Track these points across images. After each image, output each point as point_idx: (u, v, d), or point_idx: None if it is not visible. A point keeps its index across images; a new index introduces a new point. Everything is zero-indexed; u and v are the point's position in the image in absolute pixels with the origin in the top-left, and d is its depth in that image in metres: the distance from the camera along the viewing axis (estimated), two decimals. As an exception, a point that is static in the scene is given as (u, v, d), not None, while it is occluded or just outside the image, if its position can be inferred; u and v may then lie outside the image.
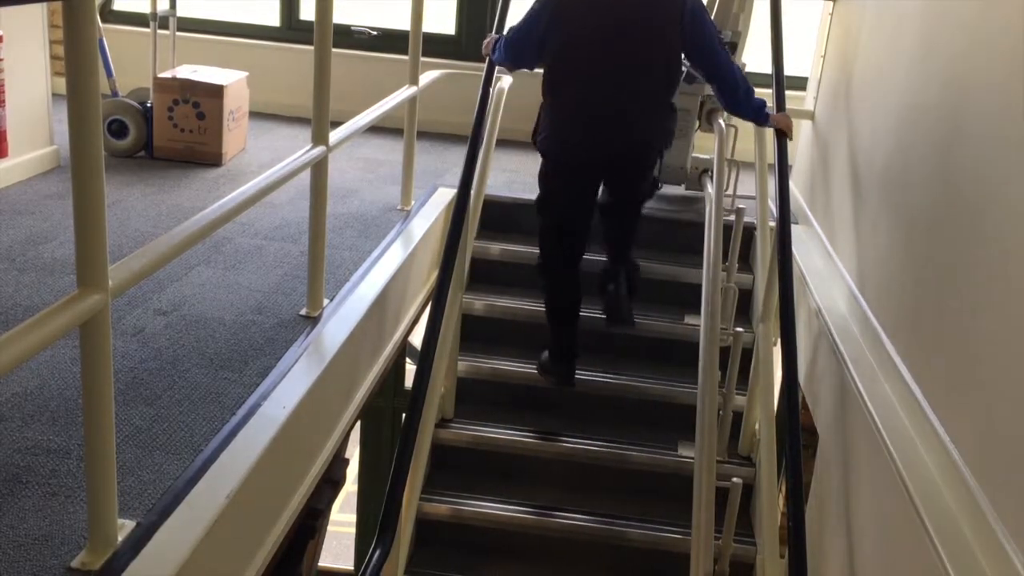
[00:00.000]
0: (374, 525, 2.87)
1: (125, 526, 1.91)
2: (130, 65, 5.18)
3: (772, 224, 3.84)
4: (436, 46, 5.43)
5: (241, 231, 3.68)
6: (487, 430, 4.03)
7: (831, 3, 4.62)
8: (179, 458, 2.19)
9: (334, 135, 2.98)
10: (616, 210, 3.80)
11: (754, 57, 4.71)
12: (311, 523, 2.82)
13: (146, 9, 4.81)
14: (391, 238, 3.77)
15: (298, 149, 2.83)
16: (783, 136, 3.63)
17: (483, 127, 3.83)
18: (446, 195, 4.36)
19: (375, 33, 5.71)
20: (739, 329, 3.75)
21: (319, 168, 2.92)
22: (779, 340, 3.38)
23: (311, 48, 2.82)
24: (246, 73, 4.86)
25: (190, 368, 2.62)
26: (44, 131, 4.19)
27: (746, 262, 4.39)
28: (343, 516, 6.98)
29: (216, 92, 4.55)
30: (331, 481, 2.99)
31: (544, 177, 3.71)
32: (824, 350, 3.49)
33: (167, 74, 4.64)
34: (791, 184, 4.50)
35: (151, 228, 3.62)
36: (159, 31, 4.77)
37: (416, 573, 3.76)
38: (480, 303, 4.30)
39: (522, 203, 4.56)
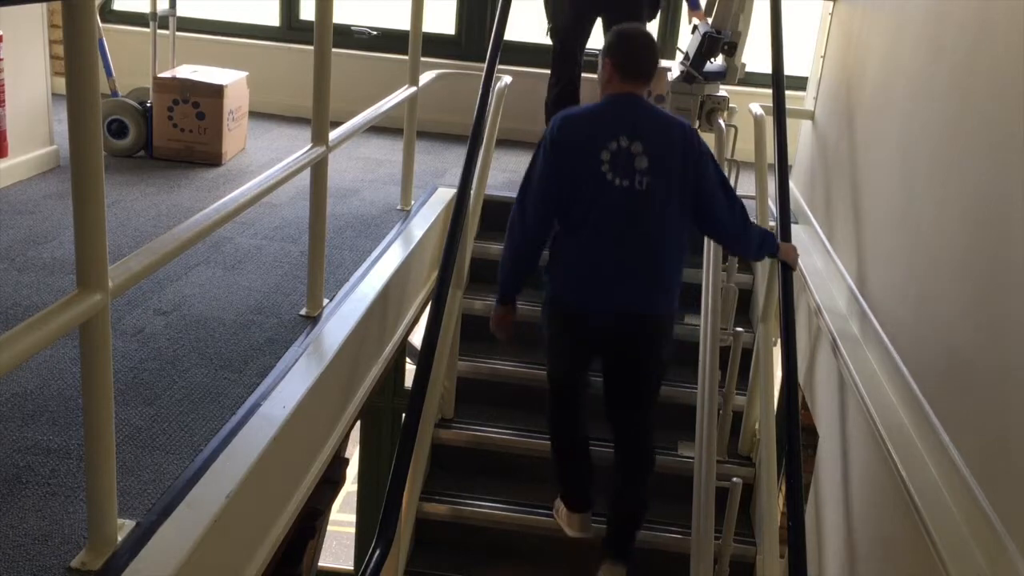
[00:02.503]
0: (374, 525, 2.87)
1: (125, 526, 1.91)
2: (130, 65, 5.18)
3: (772, 224, 3.84)
4: (436, 46, 5.44)
5: (241, 231, 3.68)
6: (487, 430, 4.03)
7: (831, 3, 4.62)
8: (179, 458, 2.19)
9: (334, 135, 2.98)
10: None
11: (754, 57, 4.71)
12: (311, 523, 2.82)
13: (146, 9, 4.81)
14: (391, 238, 3.77)
15: (298, 149, 2.83)
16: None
17: (483, 127, 3.83)
18: (446, 195, 4.36)
19: (375, 33, 5.71)
20: (739, 329, 3.75)
21: (319, 168, 2.92)
22: (779, 340, 3.37)
23: (311, 48, 2.82)
24: (246, 73, 4.86)
25: (190, 368, 2.61)
26: (44, 131, 4.19)
27: (746, 262, 4.39)
28: (343, 516, 6.98)
29: (216, 92, 4.55)
30: (331, 481, 2.99)
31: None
32: (824, 350, 3.49)
33: (167, 74, 4.64)
34: (791, 184, 4.50)
35: (151, 228, 3.62)
36: (159, 31, 4.77)
37: (416, 573, 3.76)
38: (480, 303, 4.30)
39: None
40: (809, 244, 4.18)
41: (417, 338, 3.63)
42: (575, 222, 3.05)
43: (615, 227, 3.01)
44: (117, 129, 4.55)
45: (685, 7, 4.94)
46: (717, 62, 4.47)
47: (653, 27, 4.86)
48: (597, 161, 2.98)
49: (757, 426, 3.81)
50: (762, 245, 3.24)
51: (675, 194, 3.02)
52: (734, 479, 3.30)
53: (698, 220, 3.13)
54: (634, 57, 3.05)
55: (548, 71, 4.72)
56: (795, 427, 2.96)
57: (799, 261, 3.47)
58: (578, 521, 3.45)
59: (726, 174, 4.09)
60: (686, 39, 4.75)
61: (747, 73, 4.73)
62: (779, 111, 3.76)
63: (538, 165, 3.08)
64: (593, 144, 3.00)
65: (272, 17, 5.88)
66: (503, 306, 3.28)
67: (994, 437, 2.19)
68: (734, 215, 3.11)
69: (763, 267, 3.97)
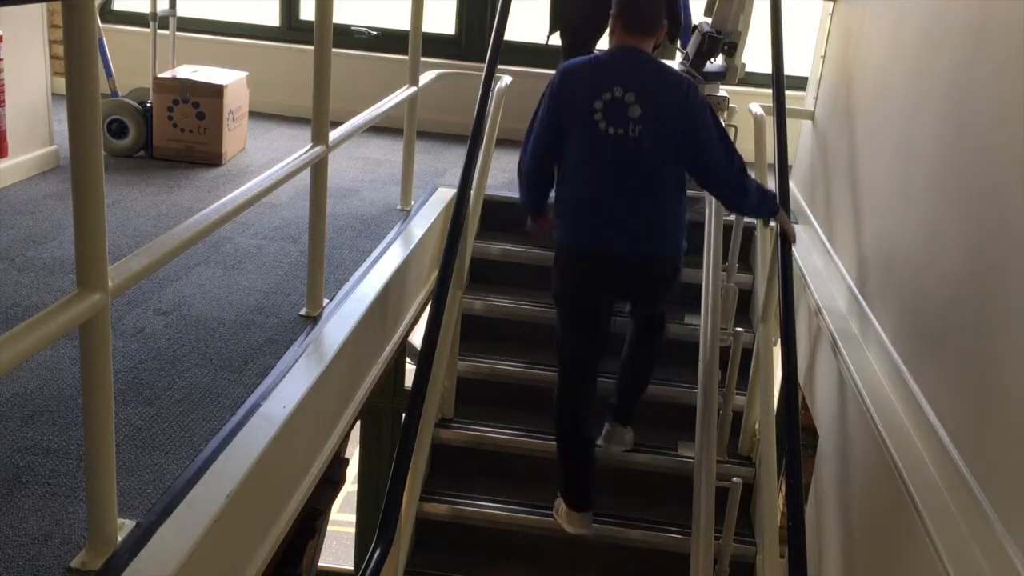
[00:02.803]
0: (374, 525, 2.87)
1: (125, 526, 1.91)
2: (130, 65, 5.18)
3: (772, 224, 3.84)
4: (436, 46, 5.44)
5: (241, 231, 3.68)
6: (487, 430, 4.03)
7: (831, 3, 4.62)
8: (179, 458, 2.19)
9: (334, 135, 2.98)
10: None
11: (754, 57, 4.71)
12: (311, 523, 2.82)
13: (146, 9, 4.81)
14: (391, 238, 3.77)
15: (298, 149, 2.83)
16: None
17: (483, 127, 3.83)
18: (446, 195, 4.37)
19: (375, 33, 5.71)
20: (739, 329, 3.75)
21: (319, 168, 2.92)
22: (779, 340, 3.37)
23: (311, 48, 2.82)
24: (246, 73, 4.86)
25: (190, 368, 2.62)
26: (44, 131, 4.19)
27: (746, 262, 4.40)
28: (343, 516, 6.98)
29: (216, 92, 4.55)
30: (331, 481, 2.99)
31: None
32: (824, 350, 3.49)
33: (167, 74, 4.64)
34: (791, 184, 4.50)
35: (151, 228, 3.62)
36: (159, 31, 4.77)
37: (416, 573, 3.76)
38: (480, 303, 4.30)
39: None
40: (809, 244, 4.18)
41: (417, 338, 3.63)
42: (572, 169, 3.18)
43: (609, 174, 3.13)
44: (117, 129, 4.55)
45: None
46: (717, 62, 4.47)
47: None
48: (591, 110, 3.10)
49: (757, 426, 3.81)
50: (761, 203, 3.29)
51: (669, 144, 3.10)
52: (734, 479, 3.30)
53: (696, 171, 3.23)
54: (634, 9, 3.15)
55: (549, 71, 4.71)
56: (795, 427, 2.96)
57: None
58: (578, 519, 3.51)
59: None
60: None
61: (747, 73, 4.72)
62: (779, 111, 3.76)
63: (540, 111, 3.24)
64: (588, 94, 3.11)
65: (272, 17, 5.88)
66: (534, 220, 3.47)
67: (994, 437, 2.19)
68: (732, 168, 3.16)
69: (763, 267, 3.97)
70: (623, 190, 3.13)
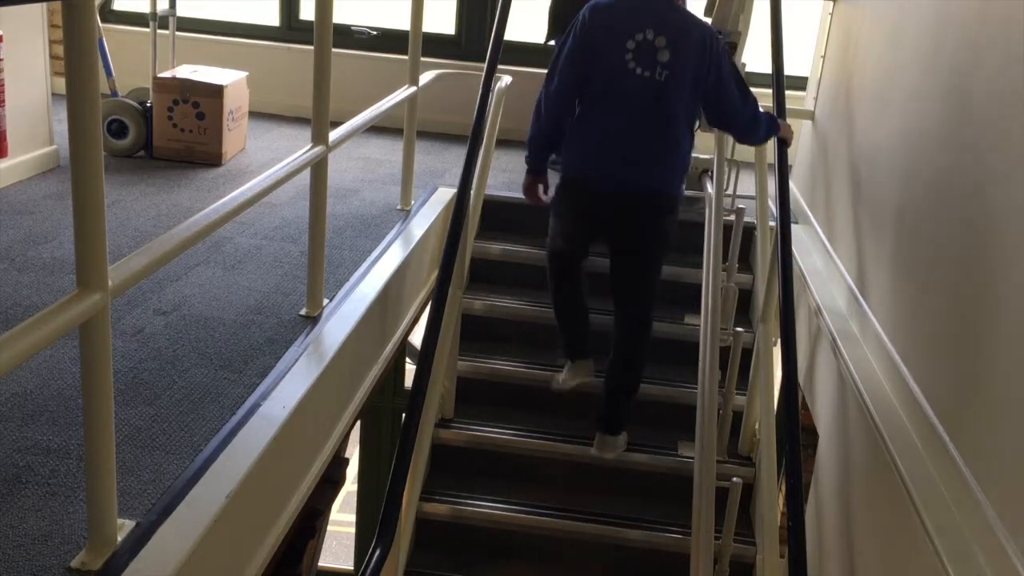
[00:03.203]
0: (374, 525, 2.87)
1: (125, 526, 1.91)
2: (130, 65, 5.18)
3: (772, 224, 3.84)
4: (436, 46, 5.44)
5: (241, 231, 3.68)
6: (487, 430, 4.03)
7: (831, 3, 4.63)
8: (179, 458, 2.19)
9: (334, 135, 2.98)
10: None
11: (754, 57, 4.71)
12: (311, 523, 2.82)
13: (146, 9, 4.81)
14: (391, 238, 3.77)
15: (298, 149, 2.83)
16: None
17: (483, 127, 3.83)
18: (446, 195, 4.37)
19: (375, 33, 5.71)
20: (739, 329, 3.75)
21: (319, 168, 2.91)
22: (779, 340, 3.38)
23: (311, 48, 2.82)
24: (246, 73, 4.86)
25: (190, 368, 2.62)
26: (44, 131, 4.19)
27: (746, 262, 4.40)
28: (343, 516, 6.98)
29: (216, 92, 4.55)
30: (331, 481, 2.99)
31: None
32: (824, 350, 3.49)
33: (167, 74, 4.64)
34: (791, 184, 4.50)
35: (151, 228, 3.62)
36: (159, 31, 4.77)
37: (416, 573, 3.76)
38: (480, 303, 4.30)
39: (522, 203, 4.54)
40: (809, 244, 4.18)
41: (417, 338, 3.63)
42: (594, 103, 3.37)
43: (631, 111, 3.32)
44: (117, 129, 4.55)
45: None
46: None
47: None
48: (623, 49, 3.27)
49: (757, 426, 3.81)
50: (768, 131, 3.50)
51: (690, 87, 3.31)
52: (734, 479, 3.30)
53: (714, 112, 3.47)
54: None
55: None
56: (795, 427, 2.96)
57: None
58: (581, 367, 3.73)
59: (726, 174, 4.12)
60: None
61: (747, 73, 4.72)
62: (779, 111, 3.77)
63: (567, 46, 3.37)
64: (621, 33, 3.28)
65: (272, 17, 5.88)
66: (532, 176, 3.59)
67: (994, 437, 2.19)
68: (746, 108, 3.41)
69: (763, 267, 3.97)
70: (637, 128, 3.33)
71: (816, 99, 4.64)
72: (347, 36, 5.56)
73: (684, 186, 3.55)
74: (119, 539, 1.86)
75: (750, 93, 3.42)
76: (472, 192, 3.78)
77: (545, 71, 4.73)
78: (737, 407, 3.91)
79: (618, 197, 3.40)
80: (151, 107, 4.57)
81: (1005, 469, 2.11)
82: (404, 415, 3.21)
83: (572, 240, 3.54)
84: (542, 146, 3.54)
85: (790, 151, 3.73)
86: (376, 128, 4.23)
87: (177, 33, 4.98)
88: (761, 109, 3.51)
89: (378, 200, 4.28)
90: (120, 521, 1.88)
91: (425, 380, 3.23)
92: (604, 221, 3.49)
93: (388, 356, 3.50)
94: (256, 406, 2.43)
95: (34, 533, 1.90)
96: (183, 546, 1.89)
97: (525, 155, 3.59)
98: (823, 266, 3.90)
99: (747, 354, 3.87)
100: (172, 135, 4.57)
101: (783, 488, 3.41)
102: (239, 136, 4.84)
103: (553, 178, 3.67)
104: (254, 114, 5.21)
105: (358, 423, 3.59)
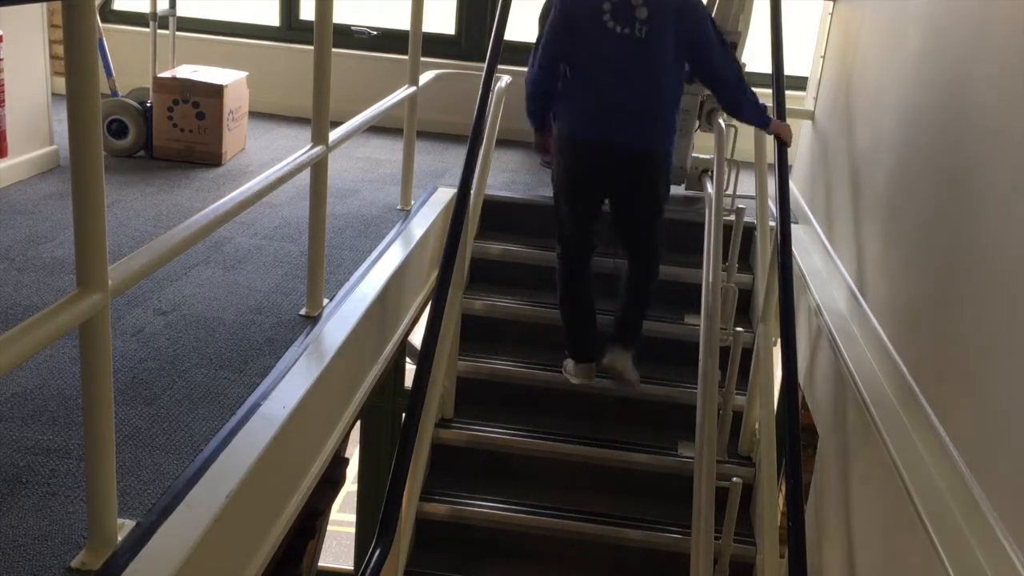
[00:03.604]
0: (374, 525, 2.87)
1: (125, 526, 1.91)
2: (130, 65, 5.18)
3: (772, 224, 3.84)
4: (436, 46, 5.44)
5: (241, 231, 3.68)
6: (487, 430, 4.03)
7: (831, 3, 4.62)
8: (179, 458, 2.19)
9: (334, 135, 2.98)
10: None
11: (754, 57, 4.71)
12: (311, 523, 2.82)
13: (146, 9, 4.81)
14: (391, 238, 3.77)
15: (298, 149, 2.83)
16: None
17: (483, 127, 3.83)
18: (446, 195, 4.37)
19: (375, 33, 5.71)
20: (739, 329, 3.75)
21: (319, 168, 2.91)
22: (779, 340, 3.38)
23: (311, 48, 2.82)
24: (246, 73, 4.86)
25: (190, 368, 2.62)
26: (44, 131, 4.19)
27: (746, 262, 4.40)
28: (343, 516, 6.98)
29: (216, 92, 4.55)
30: (331, 481, 2.99)
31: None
32: (824, 350, 3.49)
33: (167, 74, 4.64)
34: (791, 184, 4.50)
35: (151, 228, 3.62)
36: (159, 31, 4.77)
37: (416, 573, 3.76)
38: (480, 303, 4.30)
39: (522, 203, 4.57)
40: (809, 244, 4.18)
41: (417, 338, 3.63)
42: (580, 66, 3.49)
43: (616, 70, 3.44)
44: (117, 129, 4.55)
45: None
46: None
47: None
48: (600, 11, 3.40)
49: (757, 426, 3.81)
50: (756, 113, 3.59)
51: (672, 43, 3.43)
52: (734, 479, 3.30)
53: (699, 70, 3.59)
54: None
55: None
56: (795, 427, 2.96)
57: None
58: (584, 370, 3.82)
59: (726, 174, 4.12)
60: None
61: (747, 73, 4.72)
62: (779, 111, 3.77)
63: (549, 22, 3.52)
64: None
65: (272, 17, 5.88)
66: (538, 132, 3.79)
67: (994, 436, 2.19)
68: (730, 67, 3.55)
69: (763, 267, 3.97)
70: (624, 86, 3.44)
71: (816, 99, 4.64)
72: (347, 36, 5.56)
73: (677, 136, 3.72)
74: (119, 539, 1.86)
75: (736, 61, 3.57)
76: (472, 192, 3.78)
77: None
78: (737, 407, 3.91)
79: (612, 156, 3.51)
80: (151, 107, 4.57)
81: (1005, 469, 2.11)
82: (404, 415, 3.21)
83: (577, 216, 3.64)
84: (537, 111, 3.69)
85: (790, 151, 3.73)
86: (376, 128, 4.23)
87: (177, 33, 4.98)
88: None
89: (378, 200, 4.28)
90: (120, 521, 1.88)
91: (425, 380, 3.23)
92: (603, 181, 3.60)
93: (388, 356, 3.50)
94: (256, 406, 2.43)
95: (34, 533, 1.90)
96: (183, 546, 1.89)
97: (528, 119, 3.75)
98: (823, 266, 3.90)
99: (747, 354, 3.87)
100: (172, 135, 4.57)
101: (783, 488, 3.41)
102: (239, 136, 4.84)
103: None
104: (254, 114, 5.21)
105: (358, 423, 3.59)
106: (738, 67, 3.58)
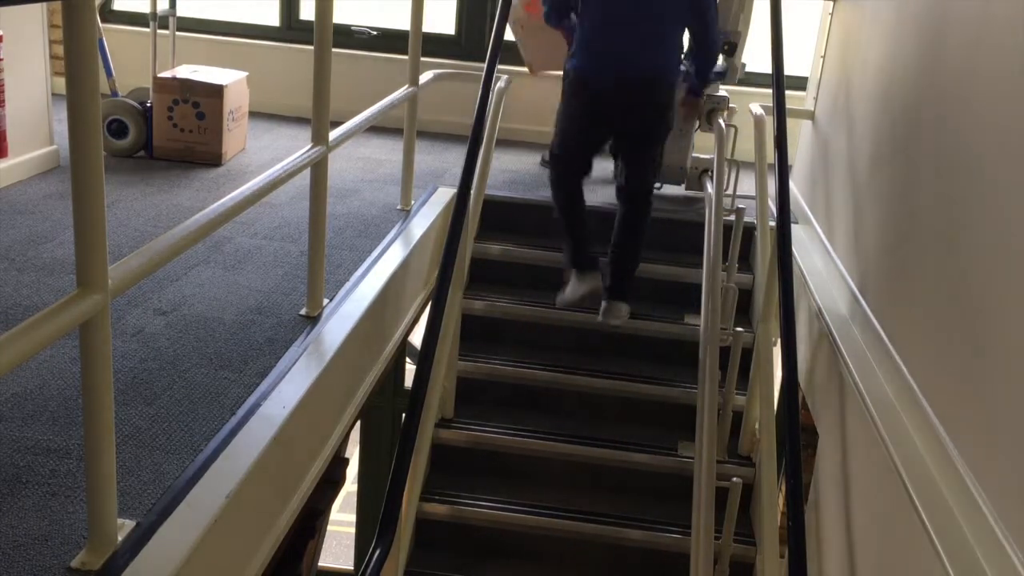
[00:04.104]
0: (374, 525, 2.87)
1: (125, 526, 1.91)
2: (130, 65, 5.18)
3: (772, 224, 3.84)
4: (436, 46, 5.44)
5: (241, 231, 3.68)
6: (487, 430, 4.03)
7: (831, 3, 4.62)
8: (179, 458, 2.19)
9: (334, 135, 2.98)
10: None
11: (754, 57, 4.71)
12: (311, 523, 2.83)
13: (146, 9, 4.81)
14: (391, 238, 3.77)
15: (298, 149, 2.83)
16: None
17: (483, 127, 3.83)
18: (446, 195, 4.37)
19: (375, 33, 5.71)
20: (739, 329, 3.75)
21: (319, 168, 2.92)
22: (779, 340, 3.38)
23: (311, 48, 2.82)
24: (246, 73, 4.86)
25: (190, 368, 2.62)
26: (44, 131, 4.19)
27: (746, 262, 4.40)
28: (343, 516, 6.98)
29: (216, 92, 4.55)
30: (331, 481, 2.99)
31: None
32: (824, 350, 3.49)
33: (167, 74, 4.64)
34: (791, 184, 4.50)
35: (151, 228, 3.62)
36: (159, 31, 4.77)
37: (416, 573, 3.76)
38: (480, 303, 4.30)
39: (522, 203, 4.57)
40: (809, 244, 4.18)
41: (417, 338, 3.63)
42: (590, 10, 3.77)
43: (623, 19, 3.73)
44: (117, 129, 4.55)
45: None
46: (717, 62, 4.47)
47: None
48: None
49: (757, 426, 3.81)
50: (706, 80, 4.10)
51: (677, 2, 3.74)
52: (734, 479, 3.30)
53: (695, 27, 3.86)
54: None
55: (549, 71, 4.72)
56: (795, 427, 2.96)
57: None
58: (588, 277, 3.93)
59: (726, 174, 4.13)
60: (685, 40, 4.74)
61: (747, 73, 4.72)
62: (779, 111, 3.76)
63: None
64: None
65: (272, 17, 5.88)
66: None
67: (994, 436, 2.19)
68: (710, 28, 3.90)
69: (763, 267, 3.97)
70: (630, 26, 3.72)
71: (816, 99, 4.63)
72: (347, 36, 5.56)
73: (681, 78, 3.98)
74: (119, 539, 1.86)
75: (718, 33, 4.01)
76: (472, 192, 3.78)
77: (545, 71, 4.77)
78: (737, 407, 3.91)
79: (621, 87, 3.74)
80: (151, 107, 4.57)
81: (1005, 469, 2.11)
82: (404, 415, 3.21)
83: (580, 137, 3.88)
84: (557, 18, 4.05)
85: (790, 151, 3.73)
86: (376, 128, 4.23)
87: (177, 33, 4.98)
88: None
89: (378, 200, 4.28)
90: (120, 521, 1.88)
91: (425, 380, 3.23)
92: (610, 111, 3.81)
93: (388, 356, 3.50)
94: (256, 406, 2.43)
95: (34, 533, 1.90)
96: (183, 546, 1.89)
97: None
98: (823, 266, 3.90)
99: (747, 354, 3.87)
100: (172, 135, 4.57)
101: (783, 488, 3.41)
102: (239, 136, 4.84)
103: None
104: (254, 114, 5.21)
105: (358, 423, 3.59)
106: (716, 39, 3.99)
